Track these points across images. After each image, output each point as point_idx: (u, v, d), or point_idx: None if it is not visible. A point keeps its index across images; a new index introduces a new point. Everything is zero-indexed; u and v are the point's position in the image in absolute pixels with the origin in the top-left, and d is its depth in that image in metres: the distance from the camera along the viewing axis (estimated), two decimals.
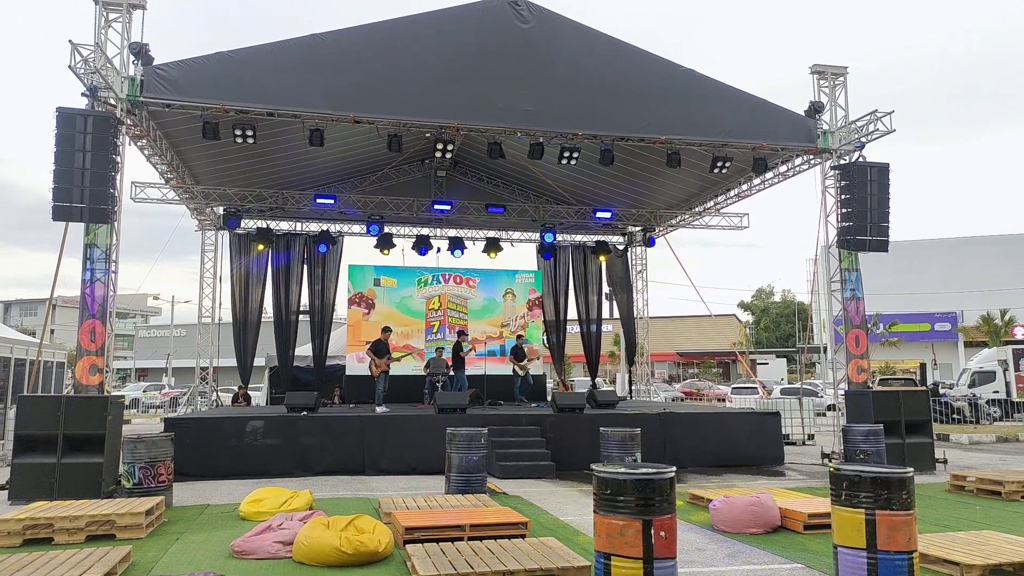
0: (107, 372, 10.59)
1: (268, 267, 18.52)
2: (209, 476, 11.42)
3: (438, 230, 19.78)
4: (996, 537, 6.71)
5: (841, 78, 13.72)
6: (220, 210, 17.80)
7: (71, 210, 10.31)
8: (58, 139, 10.32)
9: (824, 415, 22.40)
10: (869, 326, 16.36)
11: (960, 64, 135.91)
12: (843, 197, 13.27)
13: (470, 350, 16.74)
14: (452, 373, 15.99)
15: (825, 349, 36.64)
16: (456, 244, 19.46)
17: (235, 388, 19.83)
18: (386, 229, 18.38)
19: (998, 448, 17.15)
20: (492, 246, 19.61)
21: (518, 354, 17.91)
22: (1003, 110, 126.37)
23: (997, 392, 25.97)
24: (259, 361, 19.77)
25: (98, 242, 10.58)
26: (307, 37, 11.96)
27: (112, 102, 10.98)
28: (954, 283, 41.31)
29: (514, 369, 17.70)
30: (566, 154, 13.53)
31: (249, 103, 11.72)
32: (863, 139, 13.35)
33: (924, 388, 20.73)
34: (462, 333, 16.71)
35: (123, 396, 12.78)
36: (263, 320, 19.06)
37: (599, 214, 18.54)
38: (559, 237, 20.24)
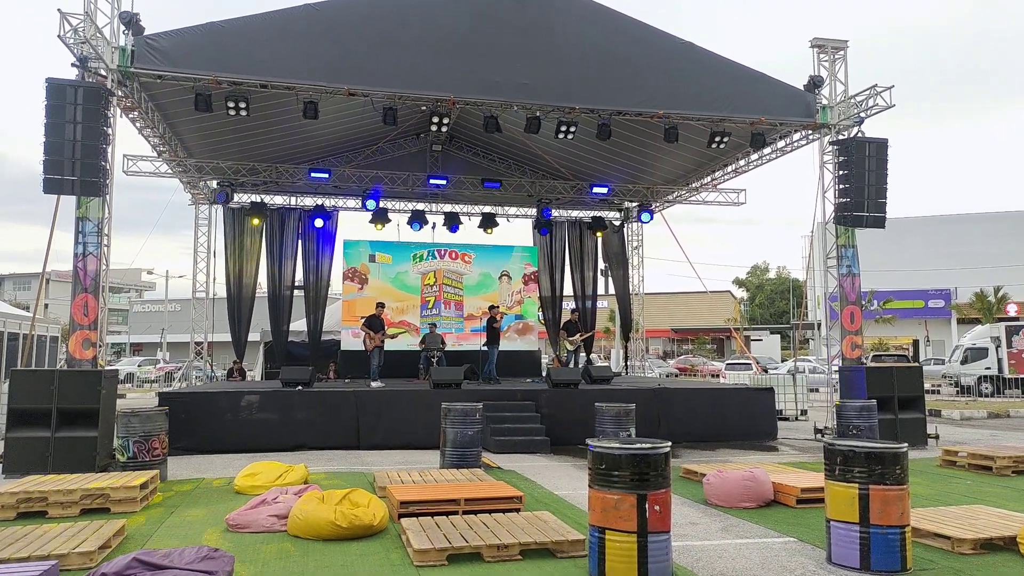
0: (101, 346, 10.56)
1: (262, 241, 18.41)
2: (204, 450, 11.44)
3: (433, 205, 19.65)
4: (987, 511, 6.77)
5: (841, 52, 13.58)
6: (214, 183, 17.65)
7: (62, 183, 10.19)
8: (48, 110, 10.19)
9: (817, 391, 22.52)
10: (864, 303, 16.38)
11: (955, 42, 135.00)
12: (841, 173, 13.20)
13: (500, 320, 16.59)
14: (485, 347, 16.00)
15: (819, 325, 36.81)
16: (452, 219, 19.35)
17: (228, 366, 19.81)
18: (381, 204, 18.25)
19: (989, 424, 17.29)
20: (488, 222, 19.52)
21: (570, 329, 17.94)
22: (999, 89, 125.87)
23: (989, 368, 26.16)
24: (254, 336, 19.73)
25: (90, 215, 10.48)
26: (301, 7, 11.77)
27: (103, 73, 10.82)
28: (948, 260, 41.40)
29: (564, 344, 17.74)
30: (563, 128, 13.39)
31: (242, 74, 11.56)
32: (862, 114, 13.25)
33: (917, 364, 20.86)
34: (494, 307, 16.67)
35: (117, 370, 12.74)
36: (258, 295, 18.99)
37: (596, 189, 18.41)
38: (555, 213, 20.14)
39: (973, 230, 43.05)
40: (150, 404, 12.75)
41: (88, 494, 7.31)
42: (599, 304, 22.19)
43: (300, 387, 13.08)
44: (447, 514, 6.66)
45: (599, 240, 20.99)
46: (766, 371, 25.96)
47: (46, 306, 47.90)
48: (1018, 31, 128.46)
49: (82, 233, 10.44)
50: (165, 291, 49.42)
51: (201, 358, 18.56)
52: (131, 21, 10.91)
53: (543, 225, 20.14)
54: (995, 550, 5.87)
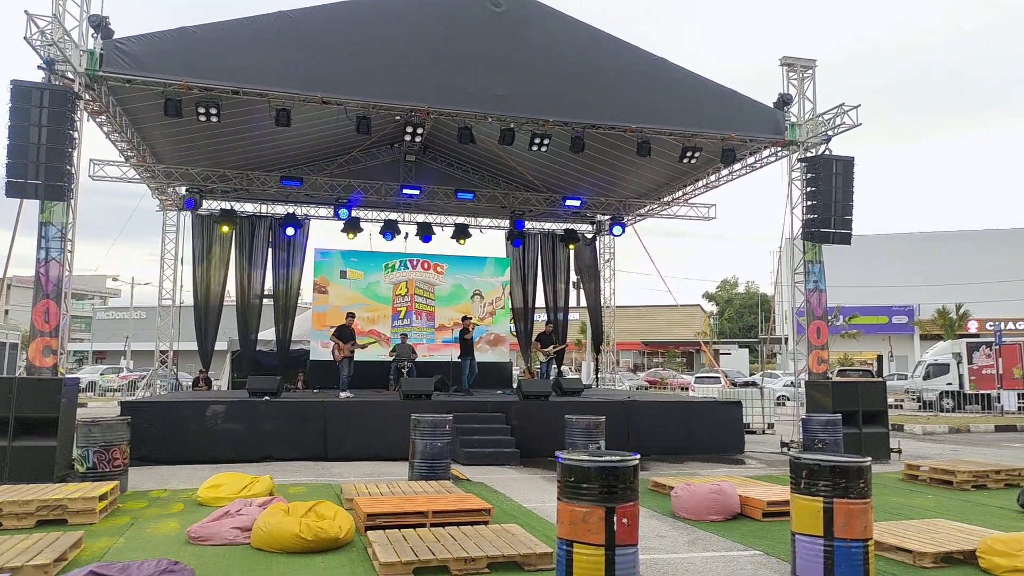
0: (62, 354, 10.32)
1: (231, 249, 18.19)
2: (167, 461, 11.22)
3: (406, 215, 19.61)
4: (947, 525, 6.88)
5: (810, 71, 13.84)
6: (182, 190, 17.41)
7: (25, 187, 9.99)
8: (12, 113, 9.99)
9: (783, 404, 22.80)
10: (830, 318, 16.65)
11: (922, 60, 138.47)
12: (809, 190, 13.42)
13: (471, 331, 16.45)
14: (460, 359, 15.96)
15: (787, 340, 37.33)
16: (425, 230, 19.31)
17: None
18: (354, 213, 18.15)
19: (950, 438, 17.61)
20: (461, 232, 19.51)
21: (544, 340, 17.87)
22: (963, 110, 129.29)
23: (951, 384, 26.66)
24: (221, 345, 19.44)
25: (53, 220, 10.28)
26: (275, 14, 11.69)
27: (70, 76, 10.63)
28: (911, 277, 42.31)
29: (537, 355, 17.67)
30: (536, 140, 13.46)
31: (213, 80, 11.44)
32: (830, 132, 13.51)
33: (881, 379, 21.21)
34: (466, 318, 16.64)
35: (78, 378, 12.47)
36: (225, 303, 18.74)
37: (568, 202, 18.51)
38: (528, 224, 20.20)
39: (936, 248, 44.06)
40: (112, 413, 12.48)
41: (45, 505, 7.11)
42: (570, 316, 22.29)
43: (267, 397, 12.90)
44: (414, 527, 6.59)
45: (571, 253, 21.09)
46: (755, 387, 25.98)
47: (6, 312, 46.75)
48: (980, 55, 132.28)
49: (45, 238, 10.23)
50: (130, 298, 48.58)
51: (166, 367, 18.24)
52: (100, 24, 10.74)
53: (516, 237, 20.18)
54: (955, 564, 5.97)
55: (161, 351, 18.17)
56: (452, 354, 16.66)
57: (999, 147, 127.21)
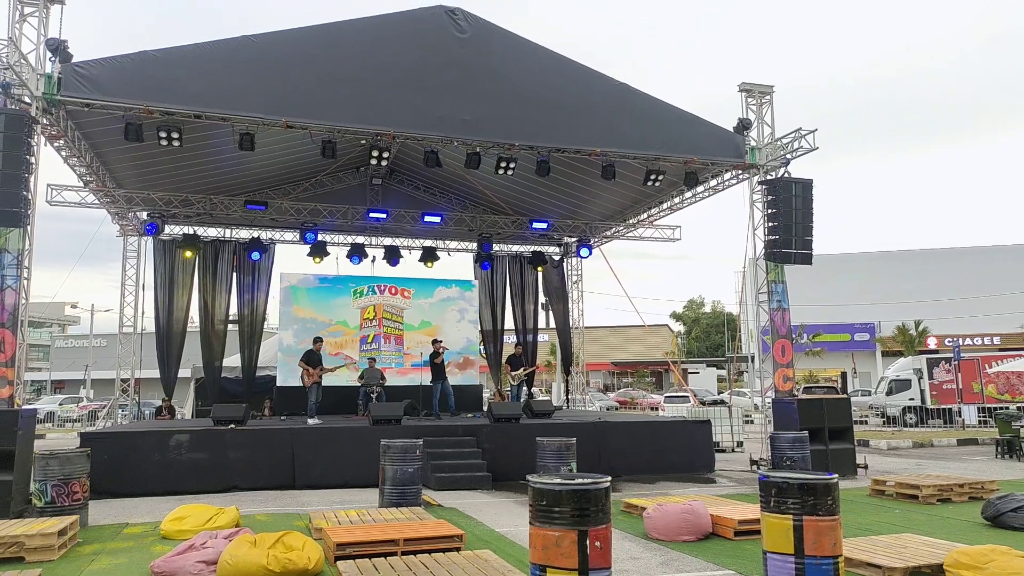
0: (18, 384, 10.02)
1: (195, 274, 17.90)
2: (129, 493, 10.91)
3: (373, 239, 19.52)
4: (915, 540, 6.97)
5: (768, 96, 14.17)
6: (144, 215, 17.13)
7: None
8: None
9: (752, 422, 23.01)
10: (794, 336, 16.92)
11: (880, 85, 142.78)
12: (770, 211, 13.68)
13: (441, 354, 16.24)
14: (431, 383, 15.77)
15: (753, 358, 37.79)
16: (392, 253, 19.24)
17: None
18: (320, 237, 18.02)
19: (914, 453, 17.92)
20: (429, 256, 19.47)
21: (514, 363, 17.82)
22: (921, 133, 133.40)
23: (913, 399, 27.21)
24: (184, 372, 19.04)
25: (9, 247, 10.04)
26: (238, 39, 11.65)
27: (27, 100, 10.45)
28: (872, 295, 43.23)
29: (508, 377, 17.64)
30: (503, 164, 13.54)
31: (175, 104, 11.33)
32: (788, 155, 13.81)
33: (846, 395, 21.54)
34: (436, 341, 16.55)
35: (36, 409, 12.11)
36: (189, 329, 18.38)
37: (535, 225, 18.63)
38: (496, 247, 20.23)
39: (895, 267, 45.15)
40: (71, 445, 12.13)
41: (0, 542, 6.86)
42: (540, 338, 22.31)
43: (233, 425, 12.65)
44: (385, 555, 6.49)
45: (539, 274, 21.16)
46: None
47: None
48: (935, 83, 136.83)
49: (0, 265, 9.97)
50: (90, 326, 47.44)
51: (127, 395, 17.80)
52: (58, 48, 10.59)
53: (484, 259, 20.18)
54: None
55: (122, 379, 17.73)
56: (422, 378, 16.54)
57: (953, 170, 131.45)
